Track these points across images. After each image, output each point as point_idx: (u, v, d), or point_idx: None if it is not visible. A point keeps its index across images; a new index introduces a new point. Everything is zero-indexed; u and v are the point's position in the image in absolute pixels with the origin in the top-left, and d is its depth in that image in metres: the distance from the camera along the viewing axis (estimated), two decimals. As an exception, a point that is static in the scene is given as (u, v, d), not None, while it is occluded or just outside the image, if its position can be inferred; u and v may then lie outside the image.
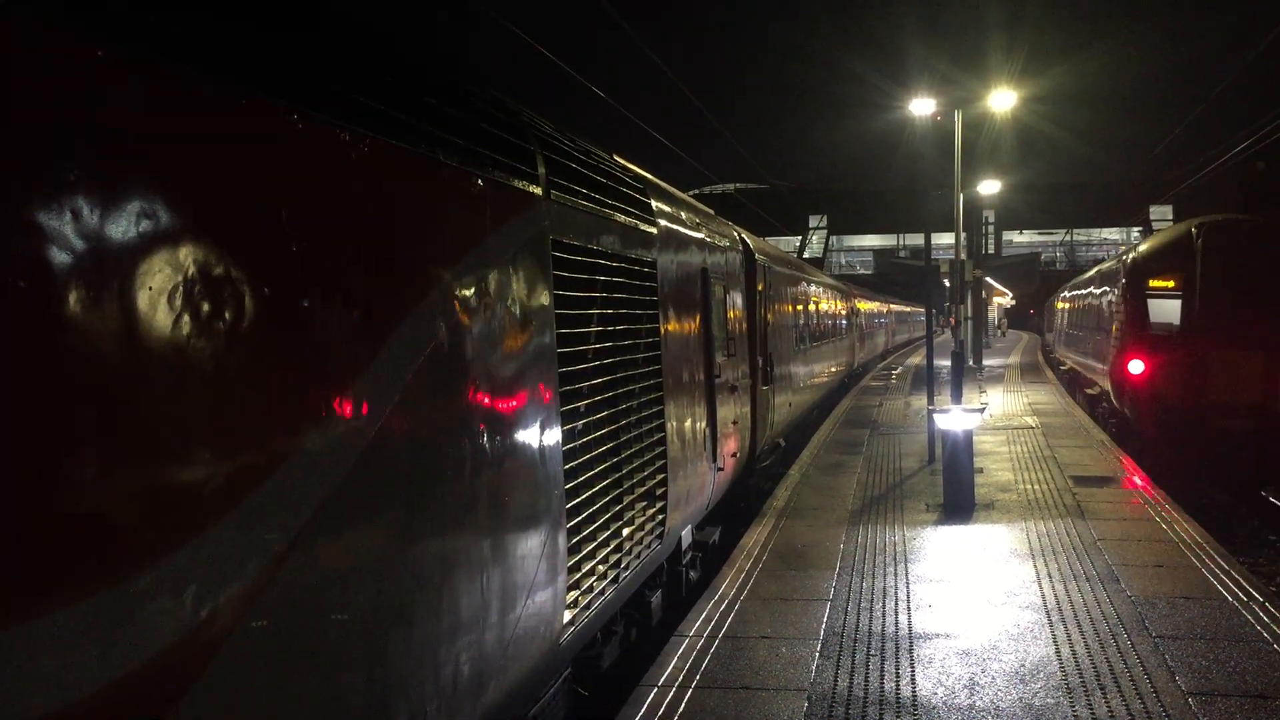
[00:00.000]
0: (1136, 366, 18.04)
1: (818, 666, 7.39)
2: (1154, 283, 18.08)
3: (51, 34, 2.48)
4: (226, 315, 3.02)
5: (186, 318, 2.86)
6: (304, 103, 3.50)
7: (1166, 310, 17.77)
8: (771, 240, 33.07)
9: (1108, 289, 21.76)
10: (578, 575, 6.18)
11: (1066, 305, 33.32)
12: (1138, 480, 14.54)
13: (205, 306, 2.93)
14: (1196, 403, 17.08)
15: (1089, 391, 25.08)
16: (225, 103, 3.10)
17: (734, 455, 11.83)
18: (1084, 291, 27.82)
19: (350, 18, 4.34)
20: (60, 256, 2.44)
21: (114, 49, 2.66)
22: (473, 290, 4.75)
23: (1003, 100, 31.09)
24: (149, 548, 2.68)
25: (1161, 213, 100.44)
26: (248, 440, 3.10)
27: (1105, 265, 24.72)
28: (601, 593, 6.68)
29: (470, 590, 4.62)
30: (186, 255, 2.87)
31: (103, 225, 2.57)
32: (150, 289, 2.72)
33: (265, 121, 3.30)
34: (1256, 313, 16.63)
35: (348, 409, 3.64)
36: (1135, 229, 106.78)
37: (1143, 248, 19.58)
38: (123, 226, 2.64)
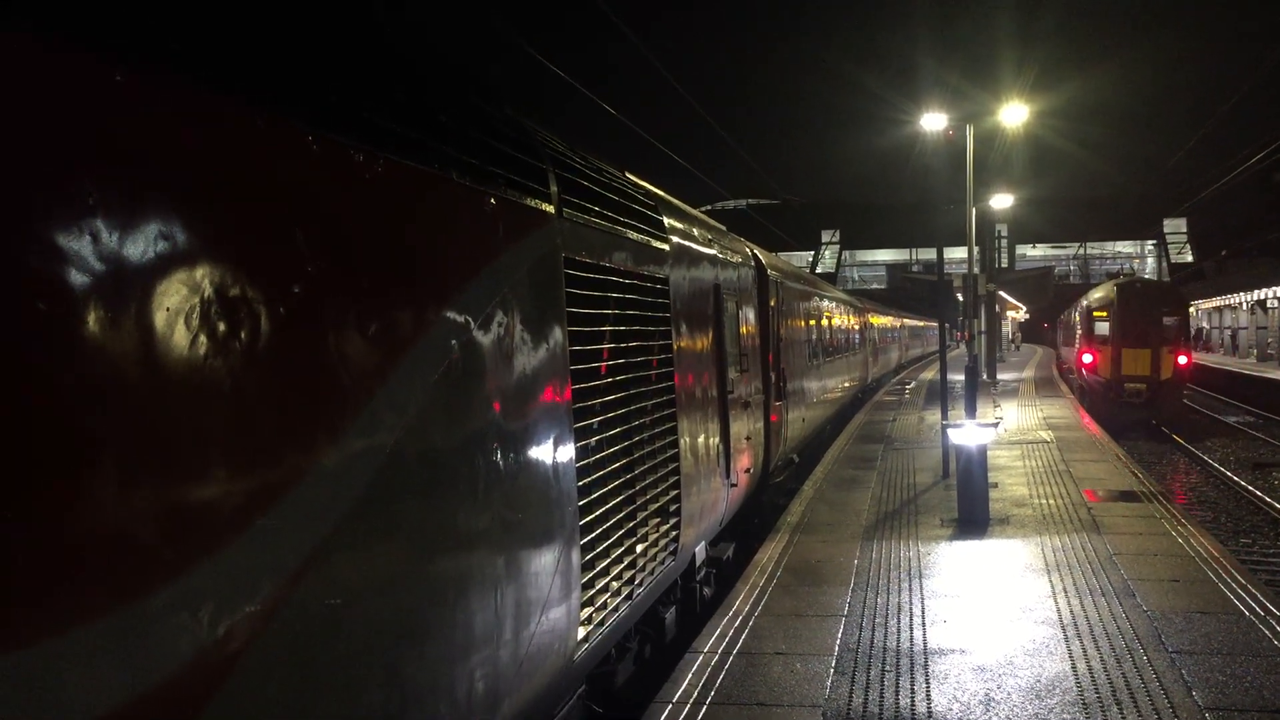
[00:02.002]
0: (1087, 358, 31.95)
1: (832, 683, 7.38)
2: (1096, 313, 32.05)
3: (59, 52, 2.51)
4: (244, 333, 3.05)
5: (204, 336, 2.88)
6: (317, 123, 3.53)
7: (1101, 328, 31.50)
8: (784, 255, 33.04)
9: (1080, 315, 34.99)
10: (592, 592, 6.19)
11: (1062, 324, 49.85)
12: (1154, 493, 14.48)
13: (222, 325, 2.96)
14: (1115, 375, 30.46)
15: (1071, 376, 38.59)
16: (240, 123, 3.14)
17: (748, 471, 11.82)
18: (1069, 316, 43.07)
19: (362, 35, 4.37)
20: (81, 277, 2.47)
21: (129, 70, 2.70)
22: (486, 308, 4.77)
23: (1015, 115, 31.06)
24: (167, 564, 2.70)
25: (1175, 225, 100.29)
26: (264, 457, 3.12)
27: (1078, 303, 37.86)
28: (615, 609, 6.68)
29: (485, 607, 4.63)
30: (203, 275, 2.89)
31: (121, 246, 2.60)
32: (168, 309, 2.75)
33: (279, 142, 3.33)
34: (1145, 328, 30.26)
35: (363, 426, 3.66)
36: (1149, 242, 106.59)
37: (1092, 295, 34.05)
38: (141, 247, 2.67)
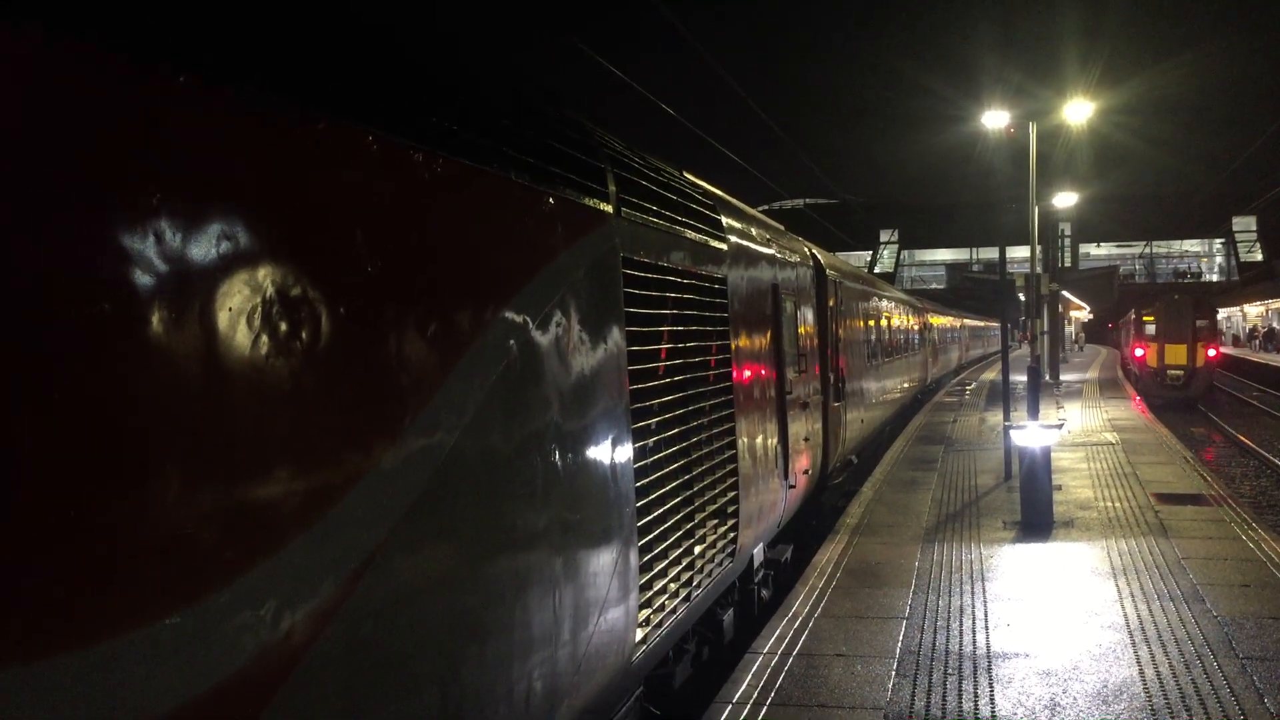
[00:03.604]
0: (1138, 351, 40.77)
1: (894, 685, 7.30)
2: (1145, 318, 40.57)
3: (103, 56, 2.54)
4: (304, 334, 3.06)
5: (265, 337, 2.90)
6: (376, 123, 3.54)
7: (1149, 329, 40.02)
8: (842, 255, 32.86)
9: (1132, 320, 44.34)
10: (650, 593, 6.16)
11: (1122, 327, 57.65)
12: (1223, 496, 14.17)
13: (284, 326, 2.97)
14: (1160, 365, 39.00)
15: (1127, 367, 48.07)
16: (300, 123, 3.16)
17: (806, 472, 11.74)
18: (1126, 321, 51.51)
19: (417, 34, 4.38)
20: (143, 279, 2.50)
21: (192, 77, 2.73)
22: (545, 307, 4.77)
23: (1079, 111, 30.63)
24: (227, 565, 2.72)
25: (1245, 223, 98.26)
26: (325, 457, 3.14)
27: (1132, 312, 46.44)
28: (673, 611, 6.66)
29: (544, 608, 4.63)
30: (264, 276, 2.91)
31: (184, 248, 2.62)
32: (230, 309, 2.77)
33: (339, 143, 3.34)
34: (1182, 329, 38.81)
35: (423, 426, 3.67)
36: (1217, 240, 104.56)
37: (1143, 310, 41.97)
38: (203, 249, 2.69)
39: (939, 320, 40.89)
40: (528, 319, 4.58)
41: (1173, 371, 38.81)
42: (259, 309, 2.88)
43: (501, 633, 4.24)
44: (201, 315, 2.68)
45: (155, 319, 2.53)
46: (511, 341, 4.41)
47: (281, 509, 2.93)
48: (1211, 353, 39.41)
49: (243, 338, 2.82)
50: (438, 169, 3.91)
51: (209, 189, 2.74)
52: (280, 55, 3.18)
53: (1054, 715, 6.67)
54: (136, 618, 2.44)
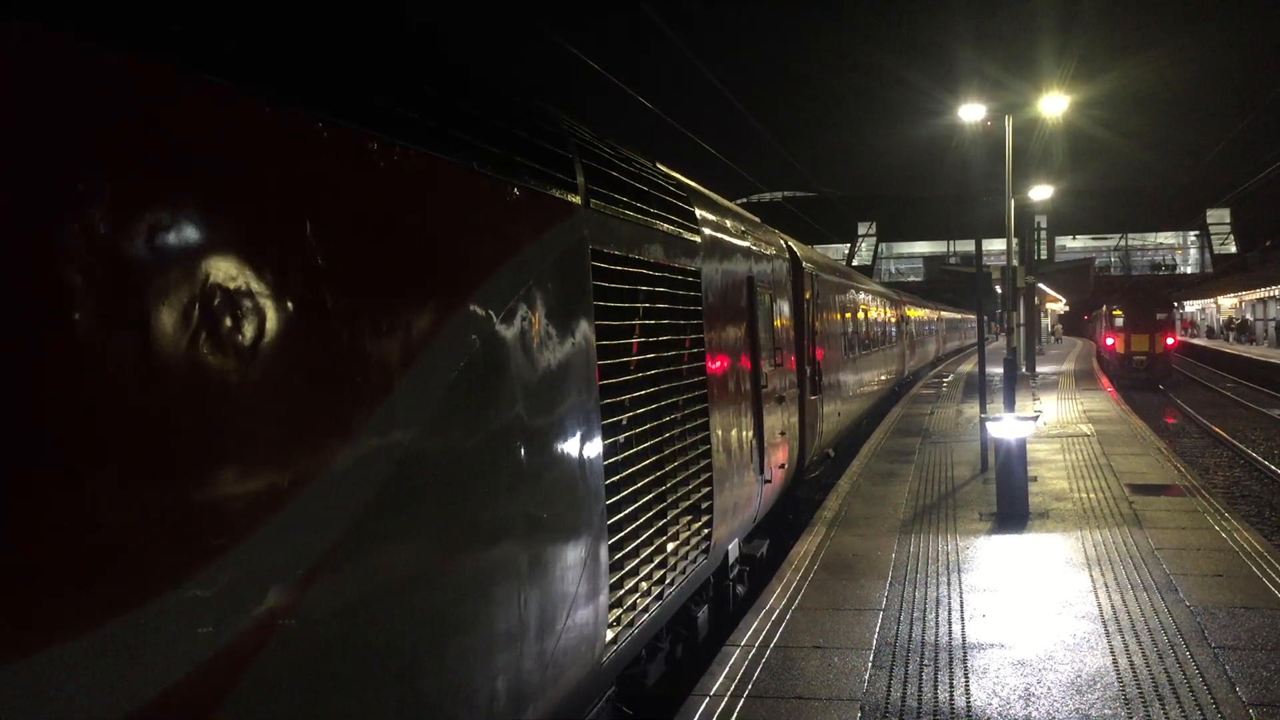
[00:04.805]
0: (1109, 340, 47.92)
1: (870, 676, 7.29)
2: (1114, 312, 47.14)
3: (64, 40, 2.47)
4: (256, 329, 2.98)
5: (216, 332, 2.80)
6: (327, 109, 3.44)
7: (1118, 321, 46.41)
8: (820, 248, 32.89)
9: (1103, 314, 52.26)
10: (620, 592, 6.10)
11: (1097, 320, 63.84)
12: (1197, 487, 14.25)
13: (235, 320, 2.88)
14: (1126, 351, 45.50)
15: (1100, 356, 53.30)
16: (248, 110, 3.07)
17: (782, 466, 11.72)
18: (1099, 315, 58.94)
19: (373, 17, 4.30)
20: (85, 273, 2.41)
21: (147, 58, 2.65)
22: (509, 301, 4.69)
23: (1055, 105, 30.67)
24: (177, 567, 2.64)
25: (1219, 216, 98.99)
26: (281, 456, 3.06)
27: (1104, 308, 53.97)
28: (646, 609, 6.60)
29: (508, 608, 4.55)
30: (215, 268, 2.81)
31: (131, 240, 2.54)
32: (171, 305, 2.65)
33: (288, 130, 3.25)
34: (1145, 319, 45.41)
35: (383, 424, 3.59)
36: (1192, 233, 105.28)
37: (1112, 305, 49.23)
38: (152, 240, 2.60)
39: (916, 313, 41.07)
40: (491, 313, 4.50)
41: (1138, 357, 45.80)
42: (209, 303, 2.77)
43: (464, 633, 4.17)
44: (149, 309, 2.58)
45: (102, 313, 2.44)
46: (474, 336, 4.33)
47: (234, 507, 2.86)
48: (1170, 341, 47.09)
49: (194, 333, 2.73)
50: (393, 158, 3.82)
51: (155, 179, 2.66)
52: (203, 31, 3.04)
53: (1028, 705, 6.67)
54: (75, 623, 2.36)
